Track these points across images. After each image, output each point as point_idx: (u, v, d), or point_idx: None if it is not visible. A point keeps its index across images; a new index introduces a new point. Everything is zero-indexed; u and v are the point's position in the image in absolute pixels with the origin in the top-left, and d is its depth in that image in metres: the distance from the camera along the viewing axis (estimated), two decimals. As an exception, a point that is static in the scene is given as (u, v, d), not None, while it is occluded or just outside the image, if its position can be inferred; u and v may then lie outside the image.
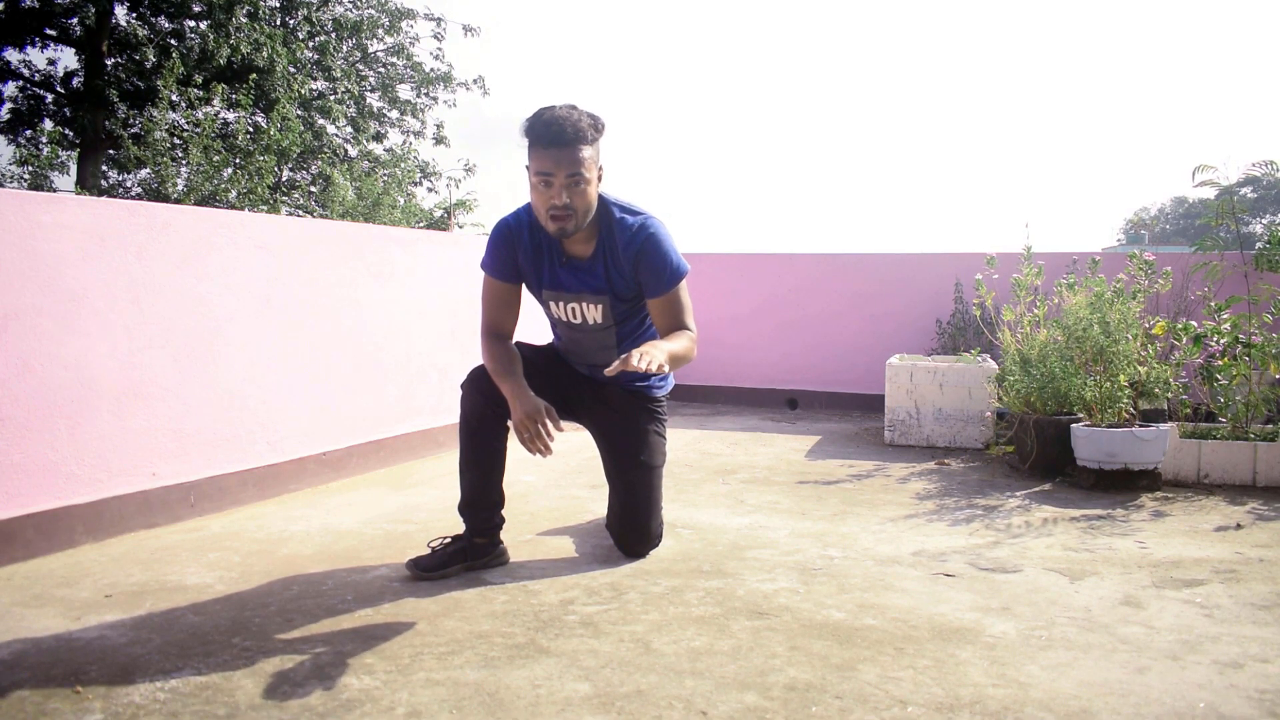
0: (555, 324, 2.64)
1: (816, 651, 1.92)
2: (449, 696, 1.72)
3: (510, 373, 2.38)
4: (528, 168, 2.32)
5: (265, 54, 13.30)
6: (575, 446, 4.34)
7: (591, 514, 3.08)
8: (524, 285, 2.56)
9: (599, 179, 2.37)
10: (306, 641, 1.98)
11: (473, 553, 2.46)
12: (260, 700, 1.70)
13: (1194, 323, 3.87)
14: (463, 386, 2.50)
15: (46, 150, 11.05)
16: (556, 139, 2.24)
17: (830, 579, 2.40)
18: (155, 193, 9.46)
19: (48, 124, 14.90)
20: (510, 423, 2.40)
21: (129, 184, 13.44)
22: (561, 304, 2.53)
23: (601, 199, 2.42)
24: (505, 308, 2.54)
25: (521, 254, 2.49)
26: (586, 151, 2.28)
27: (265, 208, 9.91)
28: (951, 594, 2.28)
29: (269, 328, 3.33)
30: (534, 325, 2.93)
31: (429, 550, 2.47)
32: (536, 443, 2.25)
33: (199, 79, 11.93)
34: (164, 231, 2.95)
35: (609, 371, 2.16)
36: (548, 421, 2.26)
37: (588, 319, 2.52)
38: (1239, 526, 2.94)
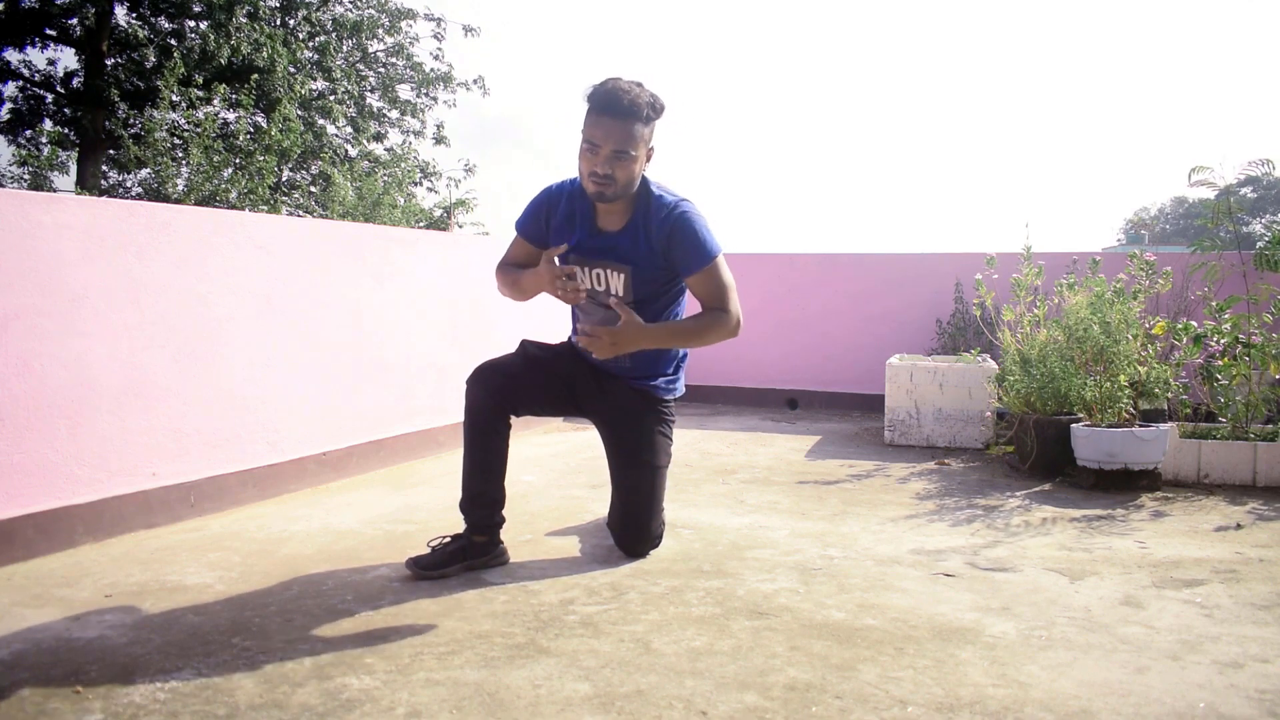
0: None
1: (816, 651, 1.92)
2: (449, 696, 1.72)
3: (519, 271, 2.53)
4: (582, 130, 2.36)
5: (265, 54, 13.29)
6: (575, 446, 4.34)
7: (592, 514, 3.08)
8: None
9: (647, 159, 2.41)
10: (306, 641, 1.98)
11: (472, 551, 2.46)
12: (260, 700, 1.70)
13: (1194, 323, 3.87)
14: (467, 383, 2.52)
15: (46, 150, 11.05)
16: (610, 108, 2.29)
17: (830, 579, 2.40)
18: (155, 193, 9.45)
19: (48, 124, 14.89)
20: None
21: (129, 184, 13.43)
22: (586, 269, 2.54)
23: (644, 180, 2.45)
24: (523, 260, 2.62)
25: (554, 220, 2.53)
26: (638, 129, 2.32)
27: (265, 208, 9.91)
28: (951, 594, 2.28)
29: (269, 328, 3.33)
30: (545, 326, 2.93)
31: (429, 549, 2.47)
32: (569, 291, 2.33)
33: (199, 79, 11.93)
34: (164, 231, 2.95)
35: (579, 340, 2.37)
36: (556, 269, 2.35)
37: (611, 288, 2.53)
38: (1239, 526, 2.94)
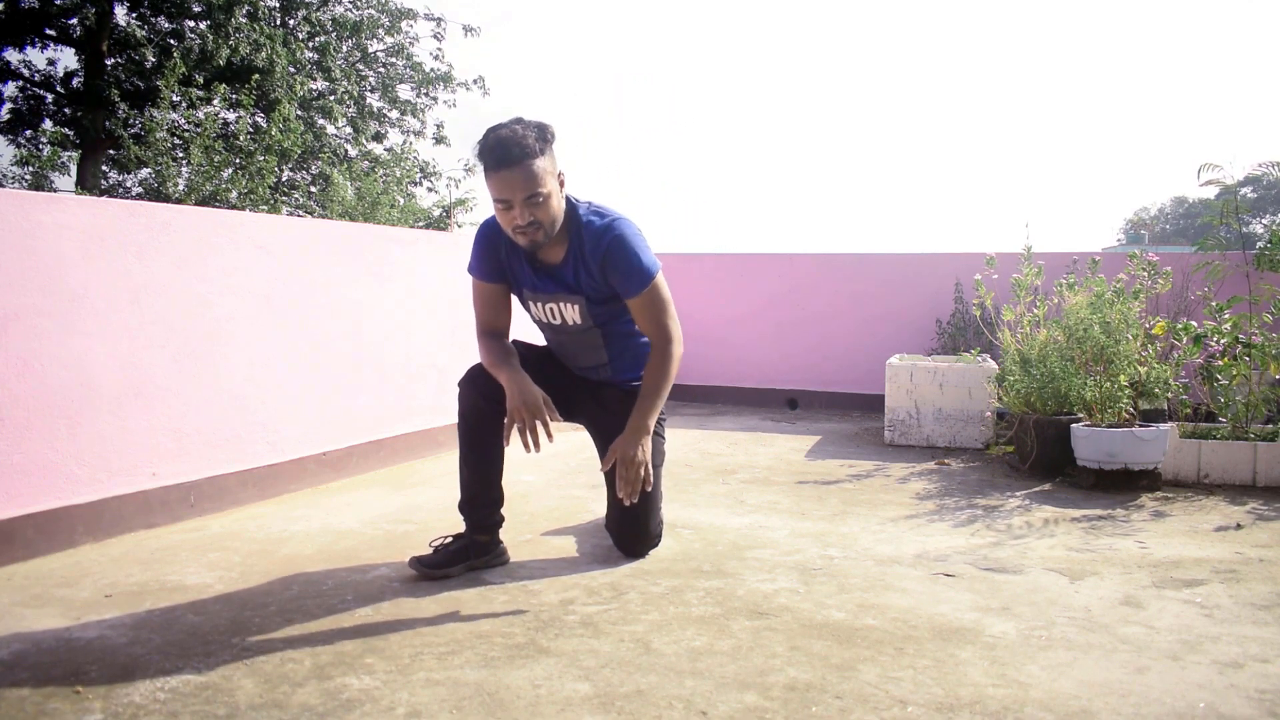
0: (540, 328, 2.64)
1: (816, 651, 1.92)
2: (449, 696, 1.72)
3: (507, 364, 2.39)
4: (488, 190, 2.31)
5: (265, 54, 13.31)
6: (575, 446, 4.34)
7: (591, 514, 3.08)
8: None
9: (561, 185, 2.35)
10: (306, 641, 1.98)
11: (475, 550, 2.46)
12: (260, 700, 1.70)
13: (1194, 323, 3.87)
14: (460, 384, 2.50)
15: (47, 150, 11.07)
16: (504, 160, 2.22)
17: (830, 579, 2.40)
18: (155, 193, 9.46)
19: (48, 124, 14.92)
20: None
21: (129, 184, 13.46)
22: (540, 304, 2.53)
23: (570, 203, 2.41)
24: (496, 308, 2.54)
25: (503, 254, 2.50)
26: (539, 164, 2.24)
27: (265, 208, 9.91)
28: (952, 594, 2.28)
29: (269, 328, 3.33)
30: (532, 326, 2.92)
31: (431, 549, 2.47)
32: (526, 435, 2.25)
33: (199, 79, 11.94)
34: (164, 231, 2.95)
35: (604, 467, 2.38)
36: (545, 415, 2.27)
37: (567, 319, 2.52)
38: (1239, 526, 2.94)
